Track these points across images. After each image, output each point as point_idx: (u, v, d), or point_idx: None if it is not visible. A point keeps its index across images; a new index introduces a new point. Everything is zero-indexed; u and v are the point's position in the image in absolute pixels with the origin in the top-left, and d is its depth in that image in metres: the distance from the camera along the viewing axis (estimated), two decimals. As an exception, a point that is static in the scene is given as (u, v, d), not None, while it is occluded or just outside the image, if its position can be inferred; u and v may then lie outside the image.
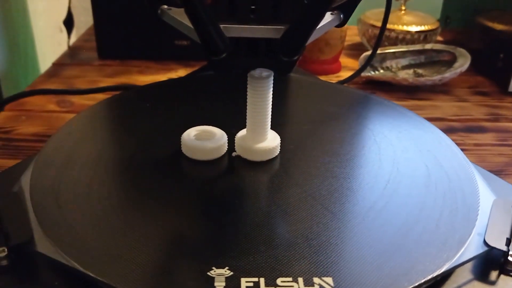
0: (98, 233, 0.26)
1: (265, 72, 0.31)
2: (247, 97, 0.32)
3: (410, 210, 0.28)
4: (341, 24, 0.31)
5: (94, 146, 0.34)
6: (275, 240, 0.26)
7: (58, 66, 0.68)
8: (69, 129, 0.36)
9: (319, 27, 0.27)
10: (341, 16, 0.30)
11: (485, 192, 0.31)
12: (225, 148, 0.34)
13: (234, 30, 0.27)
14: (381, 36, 0.55)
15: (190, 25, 0.26)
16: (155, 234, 0.26)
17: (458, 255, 0.25)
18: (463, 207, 0.29)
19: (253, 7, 0.26)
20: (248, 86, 0.31)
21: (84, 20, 0.92)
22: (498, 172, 0.46)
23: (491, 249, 0.26)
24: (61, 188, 0.29)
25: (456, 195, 0.30)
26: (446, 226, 0.27)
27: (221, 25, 0.26)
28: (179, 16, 0.29)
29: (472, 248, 0.26)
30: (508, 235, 0.27)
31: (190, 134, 0.34)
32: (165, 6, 0.30)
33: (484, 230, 0.28)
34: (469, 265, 0.27)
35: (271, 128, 0.33)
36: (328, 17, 0.30)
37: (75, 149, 0.34)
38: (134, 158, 0.33)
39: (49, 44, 0.94)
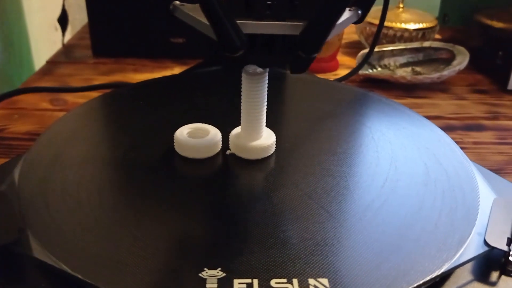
0: (87, 234, 0.25)
1: (259, 69, 0.30)
2: (242, 94, 0.31)
3: (409, 209, 0.28)
4: (359, 20, 0.30)
5: (84, 144, 0.34)
6: (270, 240, 0.25)
7: (52, 64, 0.67)
8: (59, 127, 0.35)
9: (339, 23, 0.27)
10: (359, 12, 0.30)
11: (485, 190, 0.30)
12: (219, 146, 0.33)
13: (250, 26, 0.26)
14: (379, 34, 0.54)
15: (205, 21, 0.25)
16: (146, 234, 0.25)
17: (457, 255, 0.25)
18: (463, 206, 0.28)
19: (269, 2, 0.26)
20: (242, 82, 0.30)
21: (79, 17, 0.91)
22: (498, 170, 0.45)
23: (491, 249, 0.26)
24: (50, 187, 0.28)
25: (455, 194, 0.29)
26: (445, 225, 0.26)
27: (237, 21, 0.25)
28: (193, 12, 0.28)
29: (472, 248, 0.26)
30: (509, 235, 0.26)
31: (183, 131, 0.33)
32: (178, 2, 0.29)
33: (484, 230, 0.27)
34: (469, 266, 0.26)
35: (267, 126, 0.33)
36: (346, 13, 0.29)
37: (65, 147, 0.33)
38: (125, 157, 0.32)
39: (44, 42, 0.93)
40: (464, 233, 0.26)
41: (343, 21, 0.28)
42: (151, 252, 0.24)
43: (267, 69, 0.30)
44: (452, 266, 0.24)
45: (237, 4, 0.25)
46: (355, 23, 0.30)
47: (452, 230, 0.26)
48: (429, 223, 0.27)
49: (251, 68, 0.30)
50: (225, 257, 0.24)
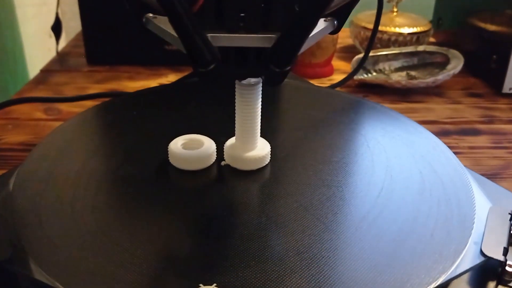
0: (81, 250, 0.25)
1: (253, 79, 0.30)
2: (236, 104, 0.31)
3: (404, 219, 0.27)
4: (335, 31, 0.30)
5: (78, 157, 0.33)
6: (265, 254, 0.25)
7: (46, 72, 0.67)
8: (53, 139, 0.35)
9: (312, 35, 0.26)
10: (335, 22, 0.29)
11: (480, 199, 0.30)
12: (214, 157, 0.33)
13: (222, 39, 0.25)
14: (373, 39, 0.54)
15: (176, 34, 0.25)
16: (141, 250, 0.25)
17: (454, 266, 0.24)
18: (459, 215, 0.28)
19: (242, 14, 0.25)
20: (236, 93, 0.30)
21: (74, 25, 0.91)
22: (494, 175, 0.45)
23: (488, 259, 0.25)
24: (43, 202, 0.28)
25: (451, 203, 0.29)
26: (441, 235, 0.26)
27: (209, 34, 0.25)
28: (164, 25, 0.28)
29: (468, 258, 0.26)
30: (505, 244, 0.26)
31: (177, 143, 0.33)
32: (151, 14, 0.29)
33: (480, 239, 0.27)
34: (465, 276, 0.26)
35: (261, 136, 0.33)
36: (321, 24, 0.28)
37: (58, 160, 0.33)
38: (120, 170, 0.32)
39: (39, 50, 0.93)
40: (460, 243, 0.26)
41: (317, 32, 0.27)
42: (146, 268, 0.24)
43: (261, 80, 0.30)
44: (449, 277, 0.24)
45: (209, 16, 0.25)
46: (331, 33, 0.30)
47: (448, 240, 0.26)
48: (424, 233, 0.26)
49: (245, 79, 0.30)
50: (220, 272, 0.24)
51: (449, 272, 0.24)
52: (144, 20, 0.29)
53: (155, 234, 0.27)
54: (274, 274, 0.24)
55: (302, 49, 0.25)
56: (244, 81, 0.30)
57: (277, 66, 0.25)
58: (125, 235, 0.26)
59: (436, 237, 0.26)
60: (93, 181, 0.31)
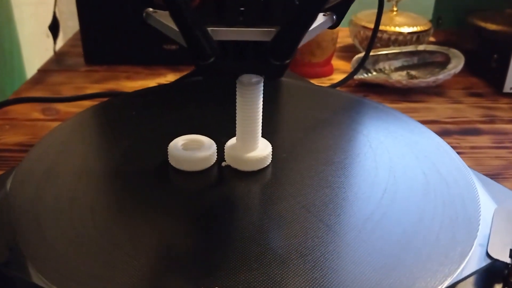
0: (80, 254, 0.24)
1: (254, 78, 0.29)
2: (236, 104, 0.30)
3: (409, 221, 0.27)
4: (334, 25, 0.29)
5: (76, 158, 0.33)
6: (268, 257, 0.24)
7: (44, 72, 0.66)
8: (51, 139, 0.35)
9: (312, 29, 0.26)
10: (334, 17, 0.29)
11: (485, 200, 0.30)
12: (214, 158, 0.32)
13: (222, 33, 0.25)
14: (374, 38, 0.53)
15: (176, 28, 0.25)
16: (141, 252, 0.25)
17: (460, 269, 0.24)
18: (464, 217, 0.27)
19: (242, 8, 0.25)
20: (237, 92, 0.30)
21: (72, 25, 0.90)
22: (496, 175, 0.45)
23: (494, 261, 0.25)
24: (41, 204, 0.28)
25: (456, 204, 0.28)
26: (446, 237, 0.26)
27: (208, 28, 0.25)
28: (165, 19, 0.27)
29: (474, 260, 0.25)
30: (511, 246, 0.26)
31: (177, 143, 0.32)
32: (151, 9, 0.29)
33: (485, 240, 0.26)
34: (470, 279, 0.26)
35: (262, 136, 0.32)
36: (320, 18, 0.28)
37: (56, 161, 0.32)
38: (119, 170, 0.32)
39: (36, 50, 0.92)
40: (466, 245, 0.25)
41: (316, 27, 0.28)
42: (146, 271, 0.23)
43: (262, 79, 0.30)
44: (455, 280, 0.23)
45: (209, 10, 0.25)
46: (330, 28, 0.30)
47: (454, 242, 0.26)
48: (430, 235, 0.26)
49: (246, 78, 0.29)
50: (222, 275, 0.23)
51: (455, 275, 0.24)
52: (144, 14, 0.28)
53: (155, 236, 0.26)
54: (276, 277, 0.23)
55: (301, 43, 0.25)
56: (245, 80, 0.29)
57: (277, 60, 0.25)
58: (125, 237, 0.26)
59: (441, 239, 0.26)
60: (92, 183, 0.30)
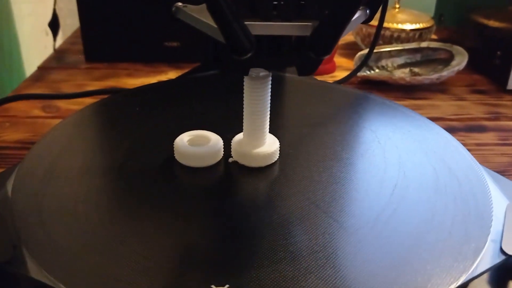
0: (86, 251, 0.24)
1: (262, 72, 0.29)
2: (244, 98, 0.30)
3: (421, 217, 0.27)
4: (367, 20, 0.29)
5: (80, 154, 0.32)
6: (279, 253, 0.24)
7: (44, 70, 0.65)
8: (53, 136, 0.34)
9: (349, 23, 0.26)
10: (367, 11, 0.28)
11: (497, 195, 0.29)
12: (221, 154, 0.32)
13: (258, 27, 0.25)
14: (378, 35, 0.53)
15: (211, 23, 0.24)
16: (148, 250, 0.24)
17: (475, 265, 0.24)
18: (476, 212, 0.27)
19: (275, 2, 0.24)
20: (244, 87, 0.29)
21: (71, 22, 0.89)
22: (502, 172, 0.44)
23: (508, 257, 0.25)
24: (45, 201, 0.27)
25: (467, 200, 0.28)
26: (459, 233, 0.25)
27: (245, 23, 0.24)
28: (197, 13, 0.27)
29: (488, 257, 0.25)
30: (526, 242, 0.25)
31: (183, 139, 0.32)
32: (180, 4, 0.28)
33: (498, 236, 0.26)
34: (485, 275, 0.25)
35: (269, 132, 0.32)
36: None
37: (60, 158, 0.31)
38: (123, 167, 0.31)
39: (35, 47, 0.91)
40: (480, 241, 0.25)
41: (352, 21, 0.27)
42: (154, 269, 0.23)
43: (270, 73, 0.29)
44: (470, 277, 0.23)
45: (242, 4, 0.24)
46: (363, 23, 0.29)
47: (467, 238, 0.25)
48: (442, 231, 0.26)
49: (254, 72, 0.29)
50: (233, 272, 0.23)
51: (470, 271, 0.23)
52: (173, 9, 0.28)
53: (162, 233, 0.25)
54: (288, 274, 0.22)
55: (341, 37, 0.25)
56: (253, 74, 0.29)
57: (317, 54, 0.25)
58: (131, 234, 0.25)
59: (454, 235, 0.25)
60: (96, 180, 0.30)
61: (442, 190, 0.29)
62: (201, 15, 0.26)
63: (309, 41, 0.24)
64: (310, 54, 0.25)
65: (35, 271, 0.22)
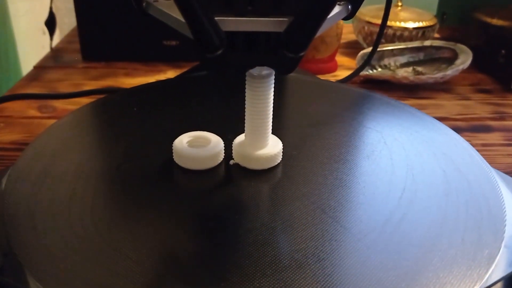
0: (79, 259, 0.23)
1: (265, 71, 0.27)
2: (246, 98, 0.29)
3: (432, 223, 0.25)
4: (349, 16, 0.28)
5: (75, 156, 0.31)
6: (283, 262, 0.23)
7: (40, 69, 0.64)
8: (47, 137, 0.33)
9: (327, 19, 0.24)
10: (349, 7, 0.27)
11: (509, 199, 0.28)
12: (222, 156, 0.30)
13: (231, 23, 0.23)
14: (382, 33, 0.52)
15: (180, 18, 0.23)
16: (144, 257, 0.23)
17: (489, 272, 0.22)
18: (489, 217, 0.26)
19: None
20: (246, 86, 0.28)
21: (68, 21, 0.88)
22: (509, 173, 0.43)
23: (524, 264, 0.23)
24: (38, 205, 0.26)
25: (480, 203, 0.27)
26: (472, 239, 0.24)
27: (216, 18, 0.23)
28: (168, 9, 0.26)
29: (502, 264, 0.24)
30: (542, 249, 0.24)
31: (183, 141, 0.30)
32: None
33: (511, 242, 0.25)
34: (498, 284, 0.24)
35: (272, 133, 0.30)
36: (335, 8, 0.27)
37: (54, 160, 0.30)
38: (120, 170, 0.30)
39: (32, 46, 0.90)
40: (494, 247, 0.24)
41: (331, 17, 0.26)
42: (150, 278, 0.21)
43: (273, 72, 0.28)
44: (484, 285, 0.22)
45: None
46: (344, 19, 0.28)
47: (480, 244, 0.24)
48: (454, 237, 0.24)
49: (256, 70, 0.28)
50: (235, 281, 0.21)
51: (484, 279, 0.22)
52: (144, 4, 0.26)
53: (160, 240, 0.24)
54: (294, 283, 0.21)
55: (316, 34, 0.23)
56: (255, 73, 0.27)
57: (291, 52, 0.24)
58: (127, 241, 0.24)
59: (467, 242, 0.24)
60: (91, 183, 0.28)
61: (453, 193, 0.28)
62: (172, 11, 0.25)
63: (284, 37, 0.23)
64: (285, 52, 0.23)
65: (26, 281, 0.21)
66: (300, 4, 0.23)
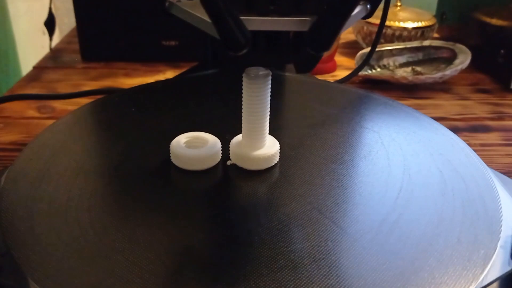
0: (78, 259, 0.23)
1: (262, 71, 0.28)
2: (243, 99, 0.29)
3: (428, 222, 0.25)
4: (368, 15, 0.28)
5: (73, 157, 0.31)
6: (279, 262, 0.23)
7: (39, 69, 0.64)
8: (46, 137, 0.33)
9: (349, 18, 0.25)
10: (368, 6, 0.27)
11: (506, 199, 0.28)
12: (219, 156, 0.31)
13: (254, 23, 0.24)
14: (380, 33, 0.52)
15: (205, 18, 0.23)
16: (142, 258, 0.23)
17: (485, 272, 0.22)
18: (485, 218, 0.26)
19: None
20: (243, 86, 0.28)
21: (68, 22, 0.88)
22: (506, 173, 0.43)
23: (519, 265, 0.23)
24: (36, 206, 0.26)
25: (476, 203, 0.27)
26: (468, 239, 0.24)
27: (241, 18, 0.23)
28: (192, 8, 0.26)
29: (498, 264, 0.24)
30: (537, 249, 0.24)
31: (180, 141, 0.31)
32: None
33: (507, 243, 0.25)
34: (494, 284, 0.24)
35: (269, 133, 0.30)
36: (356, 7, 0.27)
37: (52, 160, 0.30)
38: (118, 170, 0.30)
39: (31, 47, 0.90)
40: (489, 247, 0.24)
41: (352, 16, 0.26)
42: (149, 279, 0.22)
43: (270, 72, 0.28)
44: (480, 286, 0.22)
45: None
46: (363, 18, 0.28)
47: (476, 244, 0.24)
48: (450, 237, 0.24)
49: (253, 71, 0.28)
50: (230, 281, 0.21)
51: (480, 279, 0.22)
52: (166, 4, 0.27)
53: (157, 241, 0.24)
54: (289, 284, 0.21)
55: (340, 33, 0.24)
56: (252, 73, 0.27)
57: (315, 50, 0.24)
58: (126, 242, 0.24)
59: (463, 242, 0.24)
60: (89, 183, 0.28)
61: (449, 193, 0.28)
62: (195, 10, 0.25)
63: (308, 36, 0.23)
64: (309, 50, 0.23)
65: (23, 281, 0.21)
66: (320, 3, 0.24)
